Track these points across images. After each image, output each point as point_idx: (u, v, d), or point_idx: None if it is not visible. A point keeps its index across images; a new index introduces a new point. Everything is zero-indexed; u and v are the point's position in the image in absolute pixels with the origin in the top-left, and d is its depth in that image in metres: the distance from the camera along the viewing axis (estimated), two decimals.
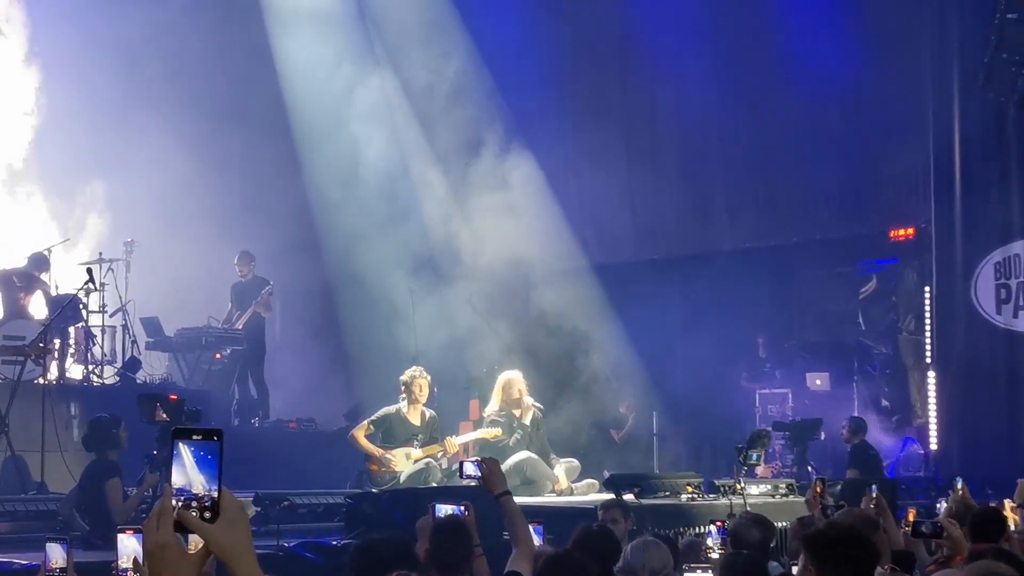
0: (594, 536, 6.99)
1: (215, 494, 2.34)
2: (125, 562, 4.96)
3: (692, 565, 4.75)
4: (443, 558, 6.36)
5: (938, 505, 10.95)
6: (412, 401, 13.71)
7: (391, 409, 13.79)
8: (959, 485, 9.82)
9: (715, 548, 7.07)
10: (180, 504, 2.33)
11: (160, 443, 11.32)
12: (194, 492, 2.33)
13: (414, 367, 14.13)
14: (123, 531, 5.06)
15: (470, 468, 6.88)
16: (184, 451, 2.33)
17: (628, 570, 6.45)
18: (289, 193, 20.37)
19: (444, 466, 13.44)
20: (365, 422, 13.88)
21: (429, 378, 13.96)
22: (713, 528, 7.26)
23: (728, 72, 19.83)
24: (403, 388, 13.79)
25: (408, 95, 19.40)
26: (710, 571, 4.70)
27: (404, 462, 13.42)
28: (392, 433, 13.63)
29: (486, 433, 14.07)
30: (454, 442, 13.82)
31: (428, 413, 13.87)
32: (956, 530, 6.58)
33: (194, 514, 2.33)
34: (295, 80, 19.74)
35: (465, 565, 6.39)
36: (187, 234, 19.23)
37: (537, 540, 7.15)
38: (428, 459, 13.44)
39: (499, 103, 18.78)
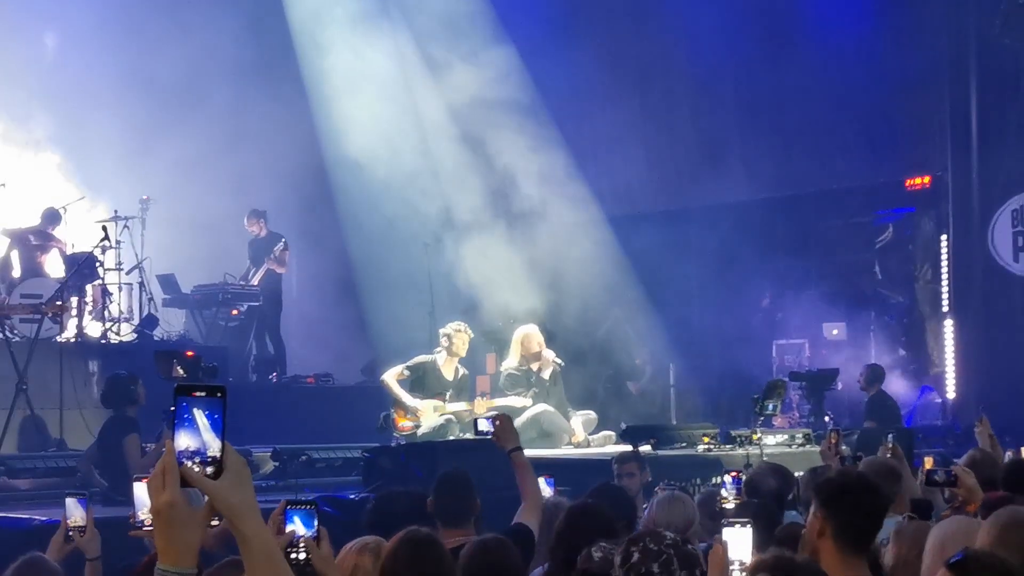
0: (607, 491, 7.01)
1: (219, 451, 2.34)
2: (144, 513, 4.90)
3: (732, 520, 4.73)
4: (449, 509, 6.41)
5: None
6: (450, 354, 13.74)
7: (427, 358, 13.84)
8: (983, 419, 9.78)
9: (730, 498, 7.07)
10: (187, 461, 2.34)
11: None
12: (198, 449, 2.33)
13: (458, 322, 14.15)
14: (140, 479, 5.00)
15: (484, 424, 7.02)
16: (188, 408, 2.33)
17: (654, 526, 6.44)
18: (304, 148, 20.34)
19: (466, 419, 13.45)
20: (400, 367, 13.90)
21: (471, 335, 13.99)
22: (728, 478, 7.24)
23: (743, 21, 19.69)
24: (444, 339, 13.81)
25: (421, 46, 19.31)
26: (749, 525, 4.68)
27: (431, 414, 13.45)
28: (424, 382, 13.67)
29: (517, 402, 14.01)
30: (483, 407, 13.80)
31: (461, 370, 13.92)
32: (971, 478, 6.56)
33: (197, 470, 2.33)
34: (309, 37, 19.67)
35: (470, 516, 6.43)
36: (202, 191, 19.21)
37: (549, 491, 7.20)
38: (451, 416, 13.47)
39: (512, 53, 18.66)
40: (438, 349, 13.88)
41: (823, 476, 5.11)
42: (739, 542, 4.64)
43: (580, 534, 5.19)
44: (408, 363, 13.90)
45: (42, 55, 19.60)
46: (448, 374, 13.76)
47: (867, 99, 19.00)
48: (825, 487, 4.72)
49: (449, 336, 13.82)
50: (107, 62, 19.25)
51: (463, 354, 13.90)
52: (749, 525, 4.67)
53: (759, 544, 5.08)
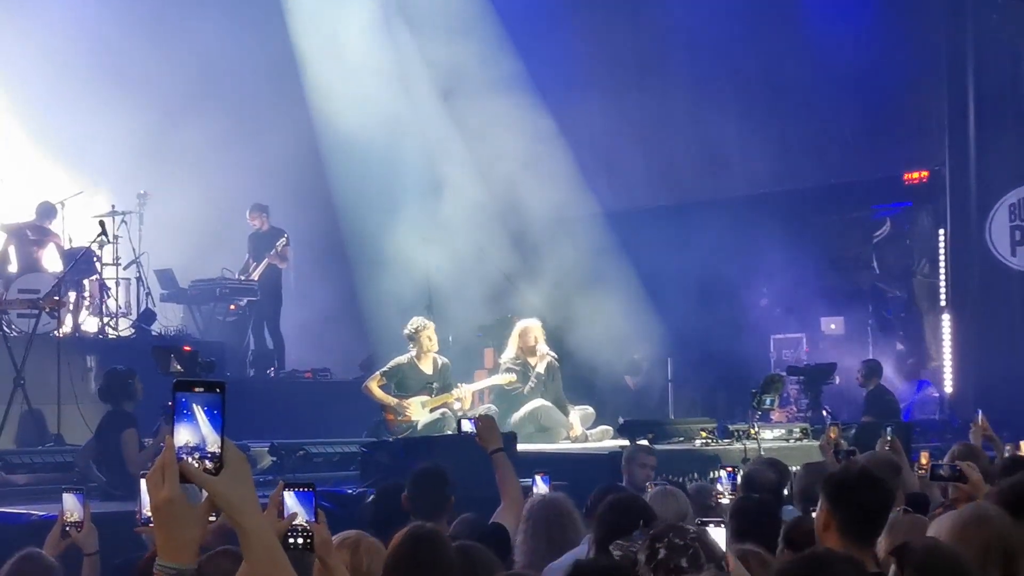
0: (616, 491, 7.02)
1: (218, 447, 2.34)
2: (149, 510, 4.90)
3: (706, 520, 4.75)
4: (422, 504, 6.44)
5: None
6: (422, 351, 13.69)
7: (403, 359, 13.79)
8: (980, 419, 9.79)
9: (725, 494, 7.08)
10: (187, 457, 2.34)
11: None
12: (197, 445, 2.34)
13: (416, 318, 14.09)
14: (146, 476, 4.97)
15: (467, 425, 7.18)
16: (187, 404, 2.33)
17: None
18: (301, 143, 20.32)
19: (460, 411, 13.45)
20: (377, 373, 13.88)
21: (433, 325, 13.95)
22: (723, 474, 7.27)
23: (741, 15, 19.69)
24: (409, 340, 13.77)
25: (418, 40, 19.30)
26: (722, 525, 4.70)
27: (419, 410, 13.44)
28: (405, 383, 13.64)
29: (500, 379, 14.10)
30: (466, 390, 13.81)
31: (440, 361, 13.86)
32: (976, 473, 6.56)
33: (197, 467, 2.34)
34: (303, 27, 19.66)
35: (444, 511, 6.48)
36: (200, 185, 19.20)
37: (545, 488, 7.24)
38: (444, 408, 13.47)
39: (509, 47, 18.65)
40: (410, 348, 13.83)
41: (829, 471, 5.13)
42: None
43: (625, 523, 5.23)
44: (384, 369, 13.87)
45: (38, 48, 19.51)
46: (427, 369, 13.72)
47: (865, 94, 19.00)
48: (831, 481, 4.79)
49: (412, 336, 13.76)
50: (104, 56, 19.20)
51: (435, 348, 13.84)
52: (723, 525, 4.69)
53: (754, 539, 5.09)
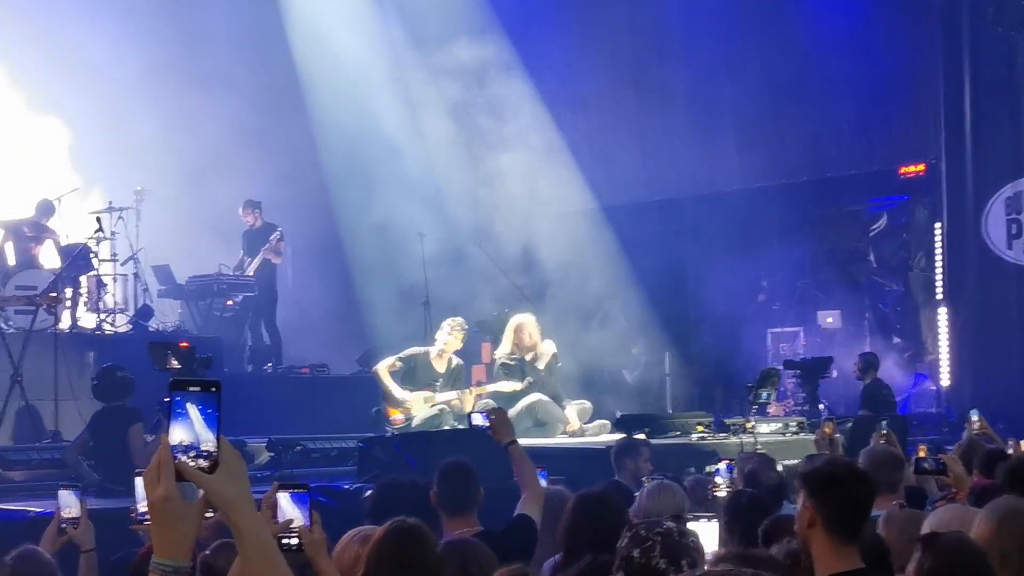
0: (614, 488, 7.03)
1: (213, 445, 2.35)
2: (144, 507, 4.89)
3: (697, 514, 4.74)
4: (456, 500, 6.42)
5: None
6: (444, 348, 13.79)
7: (420, 350, 13.87)
8: (975, 418, 9.79)
9: (723, 486, 7.08)
10: (182, 456, 2.35)
11: None
12: (192, 444, 2.35)
13: (457, 318, 14.17)
14: (141, 474, 4.96)
15: (478, 419, 7.07)
16: (182, 403, 2.34)
17: (643, 515, 6.47)
18: (299, 139, 20.33)
19: (462, 408, 13.45)
20: (392, 358, 13.91)
21: (466, 330, 14.04)
22: (722, 466, 7.25)
23: (737, 10, 19.69)
24: (441, 334, 13.88)
25: (413, 36, 19.31)
26: (714, 520, 4.69)
27: (421, 405, 13.46)
28: (415, 374, 13.69)
29: (506, 387, 14.04)
30: (470, 398, 13.78)
31: (455, 361, 13.95)
32: (958, 466, 6.59)
33: (192, 465, 2.35)
34: (299, 21, 19.68)
35: (474, 506, 6.45)
36: (197, 181, 19.19)
37: (542, 483, 7.24)
38: (442, 405, 13.48)
39: (507, 42, 18.66)
40: (434, 339, 13.89)
41: (810, 466, 5.11)
42: (705, 536, 4.66)
43: (593, 524, 5.22)
44: (400, 354, 13.91)
45: (37, 45, 19.50)
46: (440, 367, 13.76)
47: (861, 87, 19.00)
48: (813, 477, 4.68)
49: (447, 334, 13.86)
50: (101, 53, 19.19)
51: (458, 348, 13.97)
52: (715, 519, 4.69)
53: (744, 533, 5.10)
